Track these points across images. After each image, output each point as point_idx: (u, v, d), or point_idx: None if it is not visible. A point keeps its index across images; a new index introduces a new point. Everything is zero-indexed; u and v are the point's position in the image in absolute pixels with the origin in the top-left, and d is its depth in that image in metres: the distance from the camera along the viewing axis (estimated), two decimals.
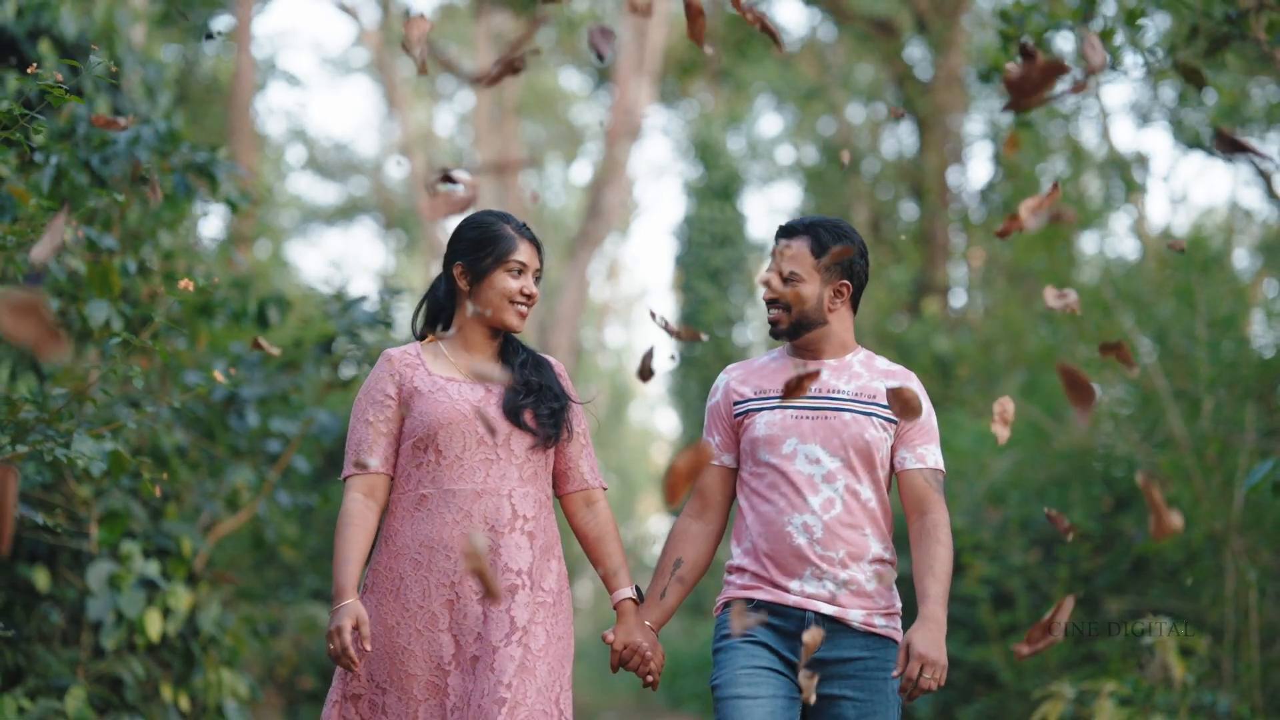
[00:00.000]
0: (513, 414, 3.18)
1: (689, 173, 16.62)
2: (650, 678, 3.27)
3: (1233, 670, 6.21)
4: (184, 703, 4.94)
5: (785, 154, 21.32)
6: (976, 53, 15.26)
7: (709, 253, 16.03)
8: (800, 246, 3.30)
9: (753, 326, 16.29)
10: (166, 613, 4.85)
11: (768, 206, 26.89)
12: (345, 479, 3.19)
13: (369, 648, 3.06)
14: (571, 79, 25.97)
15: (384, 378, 3.21)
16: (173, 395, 4.61)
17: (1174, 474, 7.01)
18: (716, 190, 16.19)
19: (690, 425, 15.86)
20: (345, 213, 26.85)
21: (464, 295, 3.23)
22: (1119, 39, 4.96)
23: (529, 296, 3.22)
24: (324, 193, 27.26)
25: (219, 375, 3.50)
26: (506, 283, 3.20)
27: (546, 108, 26.64)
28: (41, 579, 4.81)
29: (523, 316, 3.23)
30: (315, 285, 6.02)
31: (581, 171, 27.78)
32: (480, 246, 3.21)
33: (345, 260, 29.59)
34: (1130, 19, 4.79)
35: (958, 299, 15.69)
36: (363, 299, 5.63)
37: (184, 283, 3.12)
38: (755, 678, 3.19)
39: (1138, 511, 7.66)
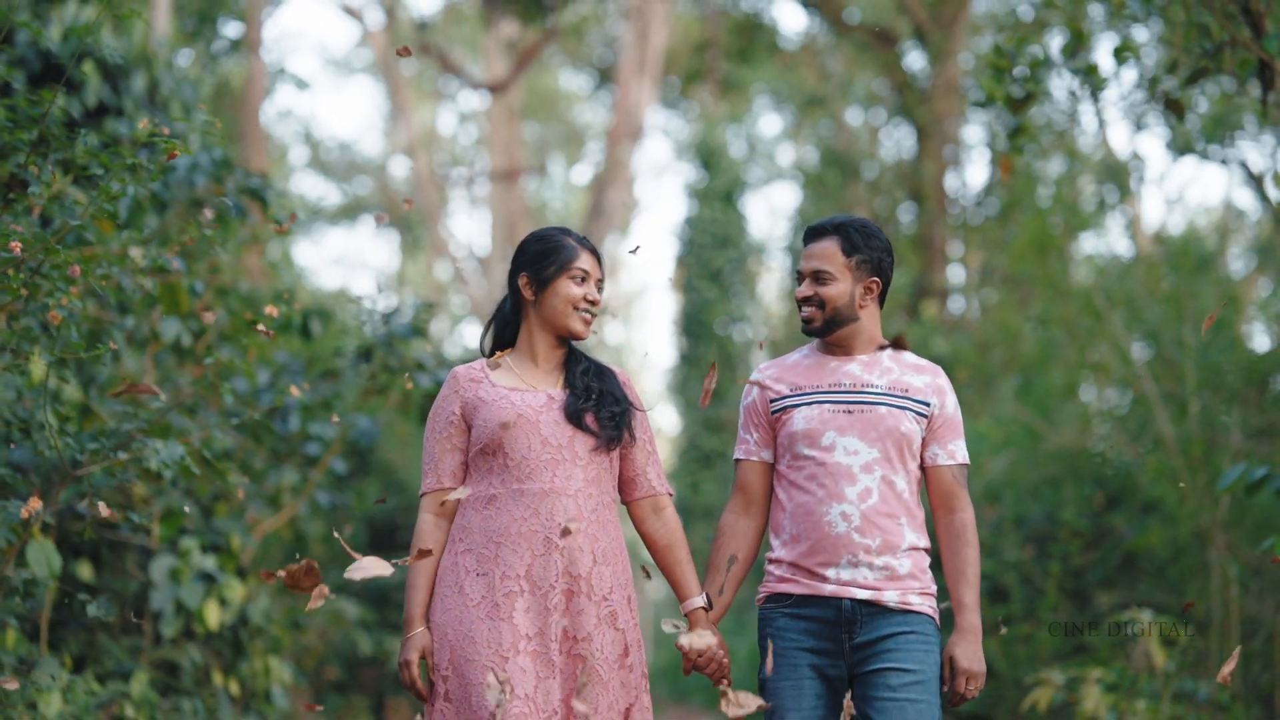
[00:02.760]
0: (574, 417, 3.28)
1: (691, 176, 16.84)
2: (726, 681, 3.32)
3: (1217, 660, 6.50)
4: (234, 688, 5.25)
5: (785, 154, 21.56)
6: (974, 58, 15.50)
7: (710, 253, 16.26)
8: (830, 246, 3.38)
9: (754, 326, 16.52)
10: (222, 604, 5.16)
11: (768, 207, 27.13)
12: (421, 495, 3.38)
13: (435, 678, 3.22)
14: (573, 80, 26.24)
15: (450, 396, 3.36)
16: (227, 403, 4.92)
17: (1161, 473, 7.30)
18: (718, 193, 16.41)
19: (692, 423, 16.09)
20: (349, 212, 27.06)
21: (529, 305, 3.35)
22: (1106, 70, 5.25)
23: (592, 303, 3.34)
24: (328, 192, 27.48)
25: (295, 390, 3.76)
26: (570, 289, 3.32)
27: (549, 109, 26.87)
28: (85, 572, 5.10)
29: (587, 323, 3.35)
30: (360, 296, 6.27)
31: (583, 172, 28.04)
32: (543, 257, 3.34)
33: (348, 258, 29.87)
34: (1119, 53, 5.06)
35: (955, 302, 15.89)
36: (398, 311, 5.91)
37: (270, 308, 3.39)
38: (801, 692, 3.30)
39: (1128, 509, 7.94)
